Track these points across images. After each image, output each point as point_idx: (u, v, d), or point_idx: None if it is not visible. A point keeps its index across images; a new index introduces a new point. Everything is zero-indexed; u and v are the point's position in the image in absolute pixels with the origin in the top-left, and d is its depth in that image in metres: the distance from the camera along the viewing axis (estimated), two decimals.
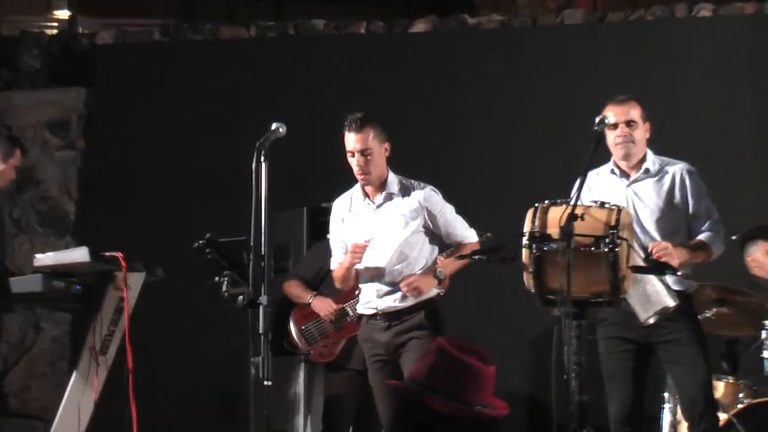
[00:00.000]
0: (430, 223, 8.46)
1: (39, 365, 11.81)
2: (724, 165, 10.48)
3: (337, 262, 8.54)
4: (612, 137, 8.14)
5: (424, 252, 8.46)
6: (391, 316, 8.38)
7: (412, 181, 8.55)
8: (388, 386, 7.77)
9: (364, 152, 8.31)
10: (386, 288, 8.40)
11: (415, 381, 3.72)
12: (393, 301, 8.37)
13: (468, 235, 8.61)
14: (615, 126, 8.11)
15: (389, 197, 8.46)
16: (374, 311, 8.41)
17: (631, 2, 14.54)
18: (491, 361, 3.65)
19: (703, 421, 8.06)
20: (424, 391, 3.66)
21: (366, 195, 8.48)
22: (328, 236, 8.72)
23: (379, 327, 8.40)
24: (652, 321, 7.76)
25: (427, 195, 8.48)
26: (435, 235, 8.51)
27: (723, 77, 11.14)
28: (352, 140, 8.32)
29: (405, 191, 8.48)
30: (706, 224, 8.11)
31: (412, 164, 10.20)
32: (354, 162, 8.32)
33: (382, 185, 8.45)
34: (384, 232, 8.38)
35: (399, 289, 8.34)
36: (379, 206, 8.46)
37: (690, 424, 8.26)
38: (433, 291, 8.46)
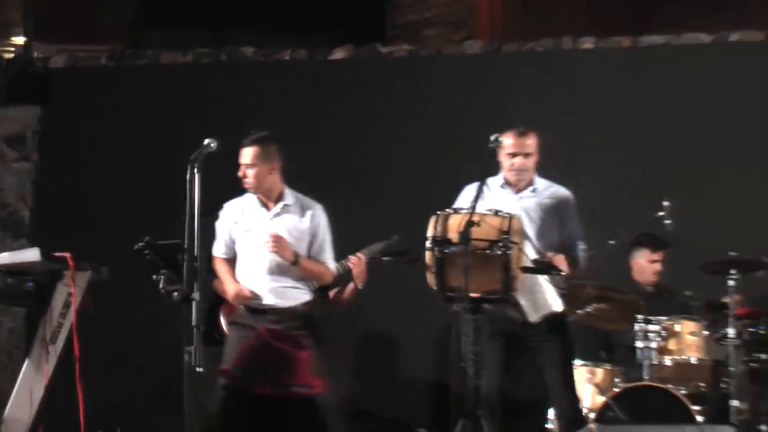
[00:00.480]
0: (310, 237, 8.51)
1: None
2: (607, 180, 10.49)
3: (219, 251, 8.67)
4: (508, 163, 8.19)
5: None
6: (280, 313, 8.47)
7: (307, 198, 8.63)
8: (218, 371, 7.73)
9: (249, 166, 8.40)
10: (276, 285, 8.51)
11: (237, 366, 3.71)
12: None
13: (328, 262, 8.65)
14: (514, 155, 8.16)
15: (285, 209, 8.49)
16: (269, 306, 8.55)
17: (523, 35, 14.55)
18: (305, 346, 3.64)
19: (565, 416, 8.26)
20: (245, 376, 3.63)
21: (262, 203, 8.48)
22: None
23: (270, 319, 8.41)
24: (537, 320, 7.78)
25: (317, 213, 8.59)
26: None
27: (603, 103, 11.15)
28: (248, 155, 8.43)
29: (300, 207, 8.56)
30: (577, 243, 8.24)
31: (331, 180, 10.20)
32: (250, 174, 8.41)
33: (278, 197, 8.46)
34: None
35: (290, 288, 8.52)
36: (276, 215, 8.48)
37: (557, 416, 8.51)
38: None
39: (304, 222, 8.47)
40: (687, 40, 11.61)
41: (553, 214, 8.23)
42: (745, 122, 10.91)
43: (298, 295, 8.48)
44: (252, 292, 8.44)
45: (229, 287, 8.58)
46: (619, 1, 15.45)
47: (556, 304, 8.04)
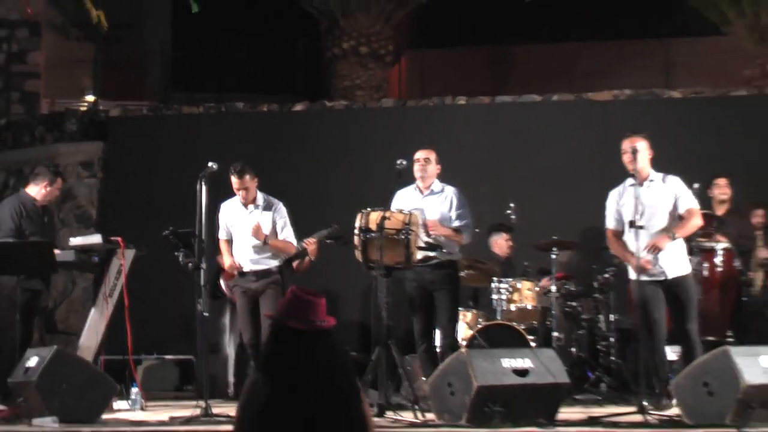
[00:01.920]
0: (273, 223, 8.44)
1: (75, 304, 11.57)
2: (474, 188, 10.52)
3: (222, 235, 8.57)
4: (417, 167, 8.17)
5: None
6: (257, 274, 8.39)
7: (272, 198, 8.55)
8: (266, 316, 7.75)
9: (246, 189, 8.35)
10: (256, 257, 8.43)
11: (278, 311, 3.68)
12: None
13: (289, 239, 8.55)
14: (418, 160, 8.13)
15: (258, 207, 8.44)
16: (249, 270, 8.44)
17: (420, 94, 14.57)
18: (321, 295, 3.66)
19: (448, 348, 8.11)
20: (284, 317, 3.61)
21: (243, 204, 8.43)
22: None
23: (251, 279, 8.38)
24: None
25: (279, 208, 8.51)
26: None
27: (472, 138, 11.18)
28: (235, 182, 8.34)
29: (268, 204, 8.48)
30: (463, 222, 8.10)
31: (295, 189, 10.16)
32: (240, 192, 8.37)
33: (253, 200, 8.44)
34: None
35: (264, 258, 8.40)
36: (251, 212, 8.44)
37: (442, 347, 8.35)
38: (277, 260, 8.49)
39: (270, 214, 8.42)
40: (526, 99, 11.68)
41: (447, 207, 8.15)
42: (563, 151, 10.99)
43: (269, 263, 8.43)
44: (238, 264, 8.40)
45: (226, 260, 8.55)
46: (482, 73, 15.55)
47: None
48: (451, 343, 8.17)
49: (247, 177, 8.34)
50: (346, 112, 12.03)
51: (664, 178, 7.71)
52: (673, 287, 7.55)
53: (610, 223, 7.84)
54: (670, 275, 7.56)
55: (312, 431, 3.42)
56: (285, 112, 11.98)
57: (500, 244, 10.16)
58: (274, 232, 8.44)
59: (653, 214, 7.58)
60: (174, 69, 18.04)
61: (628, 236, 7.59)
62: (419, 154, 8.25)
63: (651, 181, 7.69)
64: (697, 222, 7.70)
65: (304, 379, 3.48)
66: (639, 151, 7.57)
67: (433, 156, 8.26)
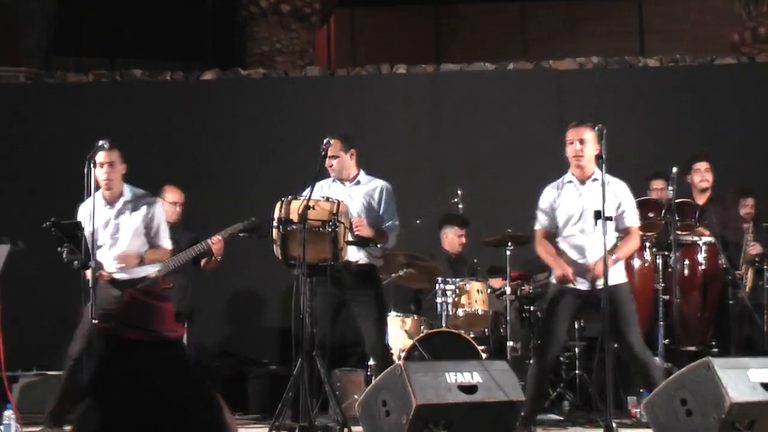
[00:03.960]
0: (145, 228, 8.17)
1: None
2: (414, 173, 10.54)
3: None
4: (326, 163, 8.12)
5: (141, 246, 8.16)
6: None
7: (141, 194, 8.23)
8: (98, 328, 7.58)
9: (110, 164, 7.97)
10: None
11: (115, 319, 3.61)
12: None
13: (163, 243, 8.23)
14: (333, 157, 8.04)
15: (125, 206, 8.13)
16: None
17: (352, 62, 14.56)
18: (167, 299, 3.60)
19: (378, 357, 8.11)
20: (121, 326, 3.54)
21: (105, 201, 8.12)
22: None
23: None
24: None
25: (154, 207, 8.20)
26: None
27: (409, 120, 11.21)
28: (101, 156, 7.91)
29: (135, 202, 8.16)
30: (389, 223, 8.08)
31: (207, 177, 10.10)
32: (102, 172, 7.96)
33: (119, 195, 8.13)
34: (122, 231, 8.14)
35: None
36: (118, 213, 8.14)
37: (373, 357, 8.35)
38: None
39: (138, 213, 8.14)
40: (476, 68, 11.72)
41: (373, 200, 8.14)
42: (518, 130, 11.06)
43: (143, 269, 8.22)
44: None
45: None
46: (424, 37, 15.56)
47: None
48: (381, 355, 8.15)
49: (116, 154, 8.03)
50: (264, 81, 11.99)
51: (610, 181, 7.70)
52: (607, 298, 7.50)
53: (541, 223, 7.88)
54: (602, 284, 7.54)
55: None
56: (191, 82, 11.92)
57: (451, 239, 10.20)
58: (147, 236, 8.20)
59: (591, 220, 7.59)
60: (58, 29, 17.81)
61: (564, 240, 7.71)
62: (334, 145, 8.08)
63: (594, 180, 7.73)
64: (635, 244, 7.87)
65: (144, 403, 3.21)
66: (587, 142, 7.63)
67: (338, 147, 8.14)
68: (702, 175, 9.54)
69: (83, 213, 8.07)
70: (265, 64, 15.18)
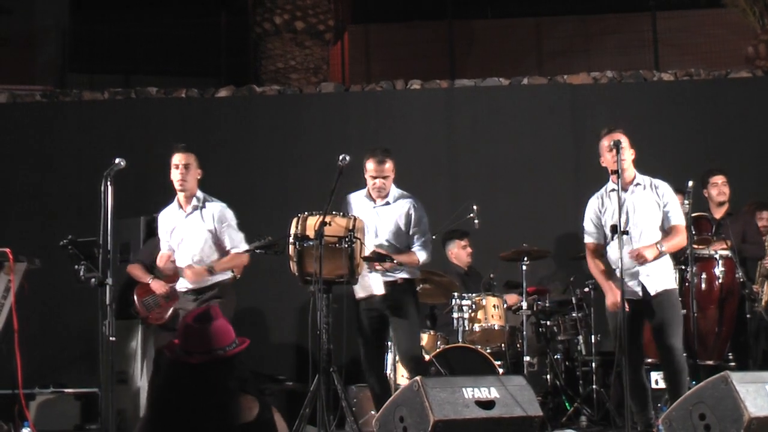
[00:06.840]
0: (215, 229, 8.19)
1: None
2: (430, 188, 10.55)
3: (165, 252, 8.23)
4: (371, 182, 8.09)
5: (212, 251, 8.19)
6: (196, 291, 8.16)
7: (212, 199, 8.28)
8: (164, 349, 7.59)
9: (185, 166, 8.10)
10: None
11: (174, 346, 3.79)
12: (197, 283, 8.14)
13: (238, 245, 8.22)
14: (375, 178, 8.03)
15: (196, 207, 8.19)
16: (186, 289, 8.18)
17: (366, 78, 14.58)
18: (220, 316, 3.78)
19: (412, 363, 8.08)
20: (180, 352, 3.73)
21: (179, 205, 8.22)
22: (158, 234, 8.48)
23: (189, 299, 8.18)
24: (362, 296, 7.97)
25: (220, 210, 8.22)
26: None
27: (424, 136, 11.22)
28: (177, 158, 8.09)
29: (206, 206, 8.20)
30: (423, 239, 8.11)
31: (223, 193, 10.10)
32: (177, 173, 8.07)
33: (192, 198, 8.20)
34: (191, 235, 8.17)
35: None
36: (189, 216, 8.19)
37: (405, 365, 8.28)
38: (228, 274, 8.24)
39: (208, 214, 8.19)
40: (490, 83, 11.72)
41: (404, 219, 8.12)
42: (533, 144, 11.05)
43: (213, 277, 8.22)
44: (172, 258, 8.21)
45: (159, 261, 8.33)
46: (439, 53, 15.56)
47: (377, 288, 7.98)
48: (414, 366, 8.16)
49: (193, 156, 8.20)
50: (278, 98, 12.01)
51: (652, 183, 7.70)
52: (656, 303, 7.54)
53: (590, 235, 7.82)
54: (653, 291, 7.56)
55: None
56: (206, 99, 11.94)
57: (457, 253, 10.20)
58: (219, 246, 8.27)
59: (639, 225, 7.57)
60: (72, 47, 17.88)
61: (611, 249, 7.61)
62: (373, 167, 8.17)
63: (637, 185, 7.70)
64: (682, 241, 7.76)
65: (200, 417, 3.56)
66: (624, 147, 7.55)
67: (390, 166, 8.17)
68: (719, 189, 9.53)
69: (164, 220, 8.23)
70: (280, 81, 15.20)
